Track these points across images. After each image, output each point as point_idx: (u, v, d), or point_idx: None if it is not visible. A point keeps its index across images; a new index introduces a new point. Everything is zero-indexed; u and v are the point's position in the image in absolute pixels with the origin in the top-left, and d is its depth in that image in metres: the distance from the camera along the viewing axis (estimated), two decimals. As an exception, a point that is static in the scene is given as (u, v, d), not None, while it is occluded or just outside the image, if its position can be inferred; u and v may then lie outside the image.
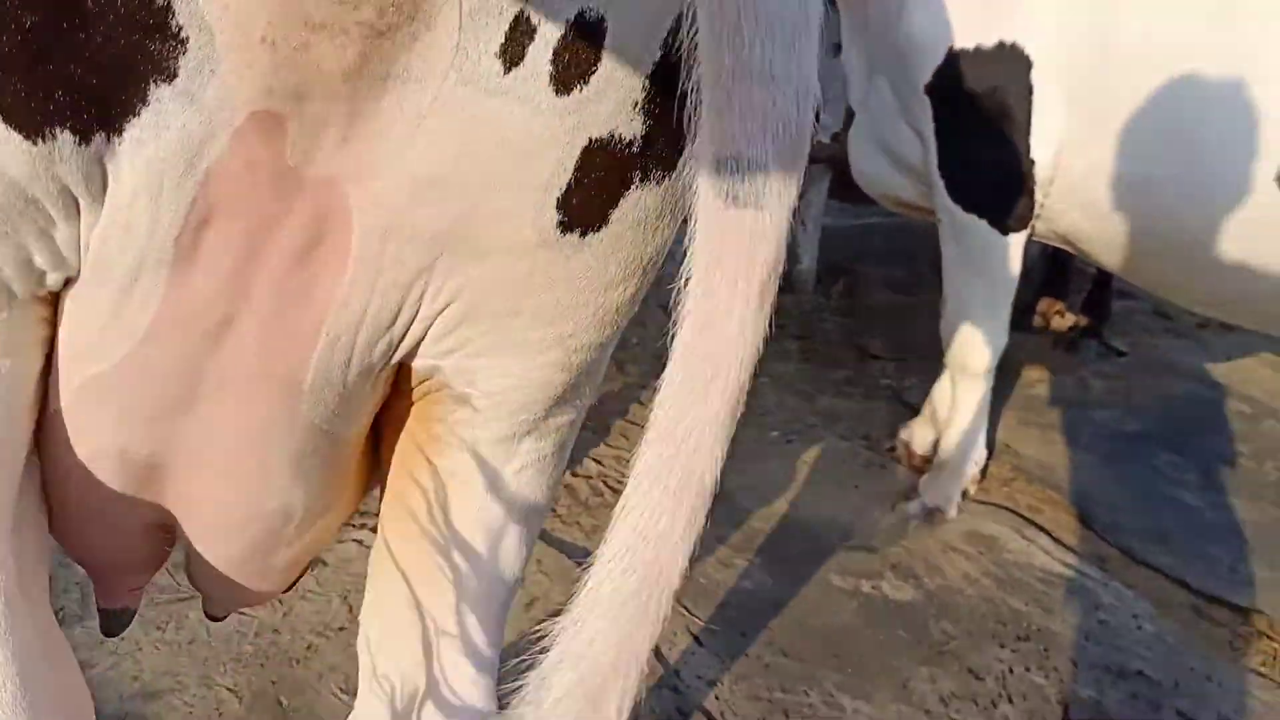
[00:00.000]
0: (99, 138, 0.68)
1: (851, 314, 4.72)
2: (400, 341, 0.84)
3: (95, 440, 0.88)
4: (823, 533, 2.97)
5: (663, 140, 0.78)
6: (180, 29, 0.64)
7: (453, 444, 0.95)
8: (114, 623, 1.34)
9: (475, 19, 0.66)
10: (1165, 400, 4.32)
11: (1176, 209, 2.41)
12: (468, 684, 1.03)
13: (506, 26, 0.67)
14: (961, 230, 2.83)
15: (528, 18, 0.67)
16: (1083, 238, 2.74)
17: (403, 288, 0.79)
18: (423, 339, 0.85)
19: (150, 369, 0.81)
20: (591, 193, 0.76)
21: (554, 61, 0.69)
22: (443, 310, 0.82)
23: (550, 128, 0.72)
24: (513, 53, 0.68)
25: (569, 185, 0.74)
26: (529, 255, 0.78)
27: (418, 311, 0.82)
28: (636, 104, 0.75)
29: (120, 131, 0.68)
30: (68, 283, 0.78)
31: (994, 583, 2.86)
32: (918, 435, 3.44)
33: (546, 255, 0.77)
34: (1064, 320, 4.73)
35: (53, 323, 0.81)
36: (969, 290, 2.94)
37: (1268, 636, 2.84)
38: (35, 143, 0.67)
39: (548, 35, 0.67)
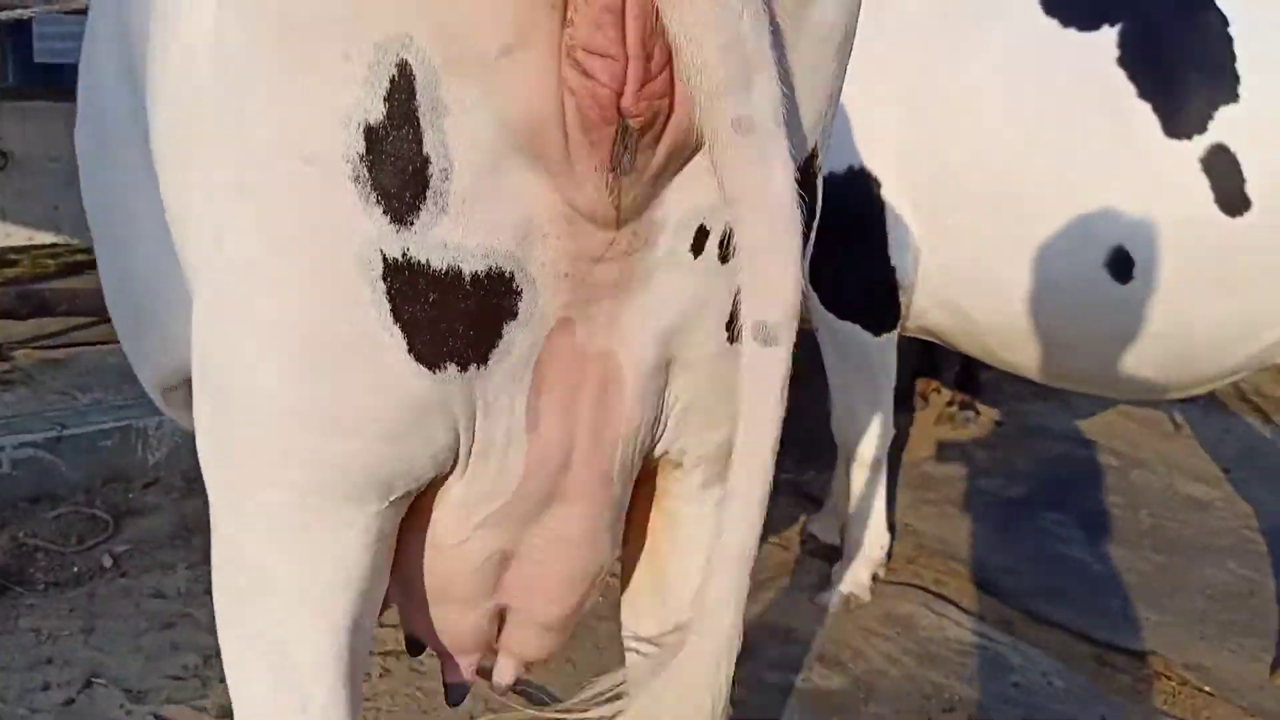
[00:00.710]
0: (472, 366, 1.02)
1: (744, 413, 4.93)
2: (657, 433, 1.22)
3: (484, 553, 1.22)
4: (749, 631, 3.11)
5: None
6: (520, 288, 1.00)
7: (670, 493, 1.35)
8: (455, 694, 1.64)
9: (678, 234, 1.04)
10: (1042, 462, 4.63)
11: (1019, 300, 2.69)
12: None
13: (693, 234, 1.05)
14: (839, 336, 3.07)
15: (703, 226, 1.05)
16: (944, 331, 3.01)
17: (657, 400, 1.17)
18: (666, 429, 1.23)
19: (527, 495, 1.16)
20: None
21: (720, 248, 1.06)
22: (674, 408, 1.20)
23: (720, 286, 1.09)
24: (697, 246, 1.06)
25: (730, 317, 1.12)
26: (718, 362, 1.15)
27: (664, 412, 1.19)
28: None
29: (485, 360, 1.02)
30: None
31: (914, 660, 3.03)
32: (824, 527, 3.64)
33: (726, 360, 1.14)
34: (941, 397, 5.04)
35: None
36: (852, 388, 3.18)
37: (1165, 676, 3.08)
38: (434, 371, 1.01)
39: (715, 234, 1.05)
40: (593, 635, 2.89)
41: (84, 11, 3.60)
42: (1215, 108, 2.47)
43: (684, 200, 1.02)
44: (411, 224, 0.93)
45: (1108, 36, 2.56)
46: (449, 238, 0.94)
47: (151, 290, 1.46)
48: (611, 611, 1.54)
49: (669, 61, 0.88)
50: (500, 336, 1.01)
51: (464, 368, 1.01)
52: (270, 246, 0.97)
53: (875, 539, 3.36)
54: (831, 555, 3.53)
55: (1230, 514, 4.27)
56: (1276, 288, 2.52)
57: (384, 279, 0.96)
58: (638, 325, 1.09)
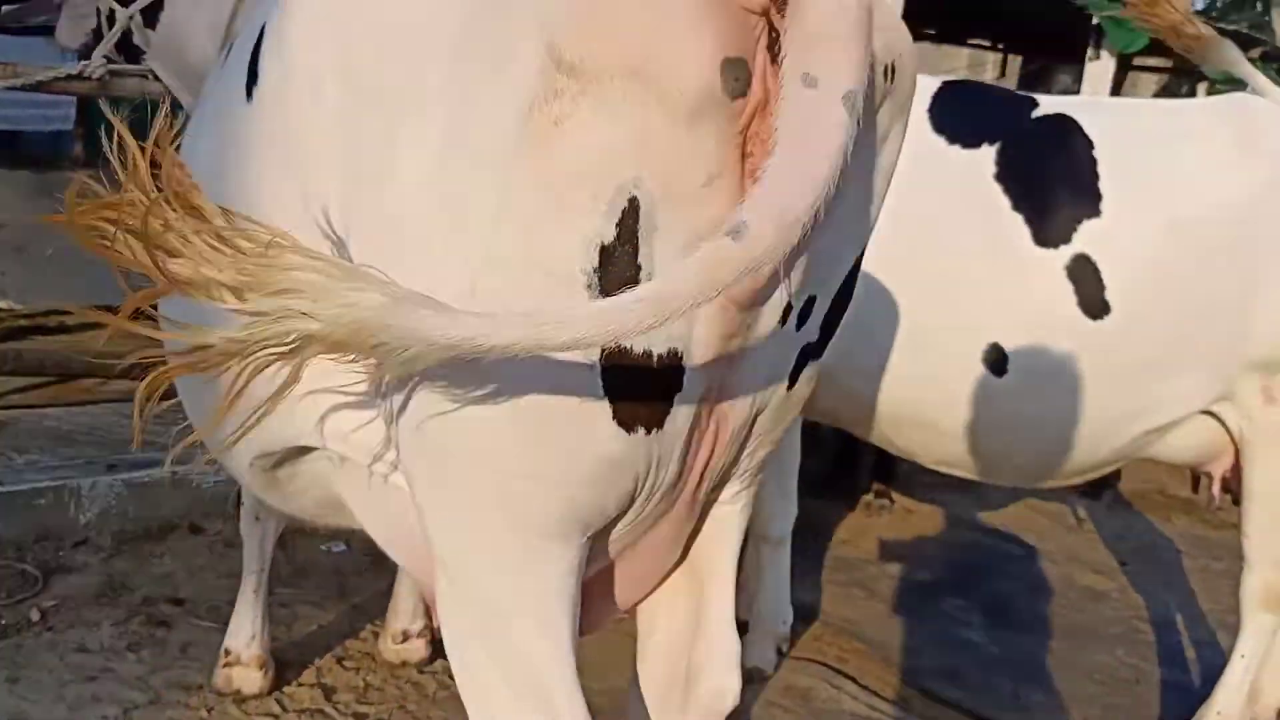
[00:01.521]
0: (655, 430, 1.30)
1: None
2: (732, 466, 1.54)
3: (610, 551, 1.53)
4: (656, 701, 3.24)
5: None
6: (685, 364, 1.27)
7: (718, 501, 1.66)
8: None
9: (773, 312, 1.32)
10: (950, 550, 4.84)
11: (907, 389, 2.92)
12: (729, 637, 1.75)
13: (784, 308, 1.34)
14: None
15: (790, 304, 1.35)
16: (842, 418, 3.23)
17: (742, 443, 1.50)
18: (739, 461, 1.54)
19: (653, 515, 1.48)
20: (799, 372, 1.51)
21: (798, 318, 1.39)
22: (749, 446, 1.53)
23: (791, 348, 1.45)
24: (783, 319, 1.35)
25: (793, 371, 1.47)
26: (784, 403, 1.50)
27: (740, 454, 1.54)
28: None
29: (661, 424, 1.31)
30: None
31: (810, 730, 3.18)
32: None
33: (784, 402, 1.49)
34: (858, 485, 5.25)
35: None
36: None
37: (1044, 751, 3.26)
38: (629, 434, 1.28)
39: (795, 308, 1.37)
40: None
41: (36, 87, 3.79)
42: (1079, 221, 2.75)
43: (782, 288, 1.32)
44: None
45: (987, 154, 2.85)
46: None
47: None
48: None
49: None
50: (671, 405, 1.31)
51: (648, 431, 1.30)
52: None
53: (779, 615, 3.52)
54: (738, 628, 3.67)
55: (1123, 605, 4.49)
56: (1137, 385, 2.78)
57: (601, 363, 1.23)
58: (743, 386, 1.40)
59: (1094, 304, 2.72)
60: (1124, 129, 2.87)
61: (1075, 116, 2.86)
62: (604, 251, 1.17)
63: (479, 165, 1.19)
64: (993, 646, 3.95)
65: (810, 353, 1.51)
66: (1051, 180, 2.77)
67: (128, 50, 3.03)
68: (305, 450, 1.73)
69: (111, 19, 3.00)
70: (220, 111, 1.75)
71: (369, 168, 1.33)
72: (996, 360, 2.78)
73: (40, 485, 3.63)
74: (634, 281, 1.17)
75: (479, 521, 1.36)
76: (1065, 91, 9.88)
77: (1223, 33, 9.23)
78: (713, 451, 1.46)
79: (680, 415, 1.32)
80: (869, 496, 5.18)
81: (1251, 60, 9.77)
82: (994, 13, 8.41)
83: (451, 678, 3.12)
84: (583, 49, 1.13)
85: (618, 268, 1.18)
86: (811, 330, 1.48)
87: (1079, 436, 2.86)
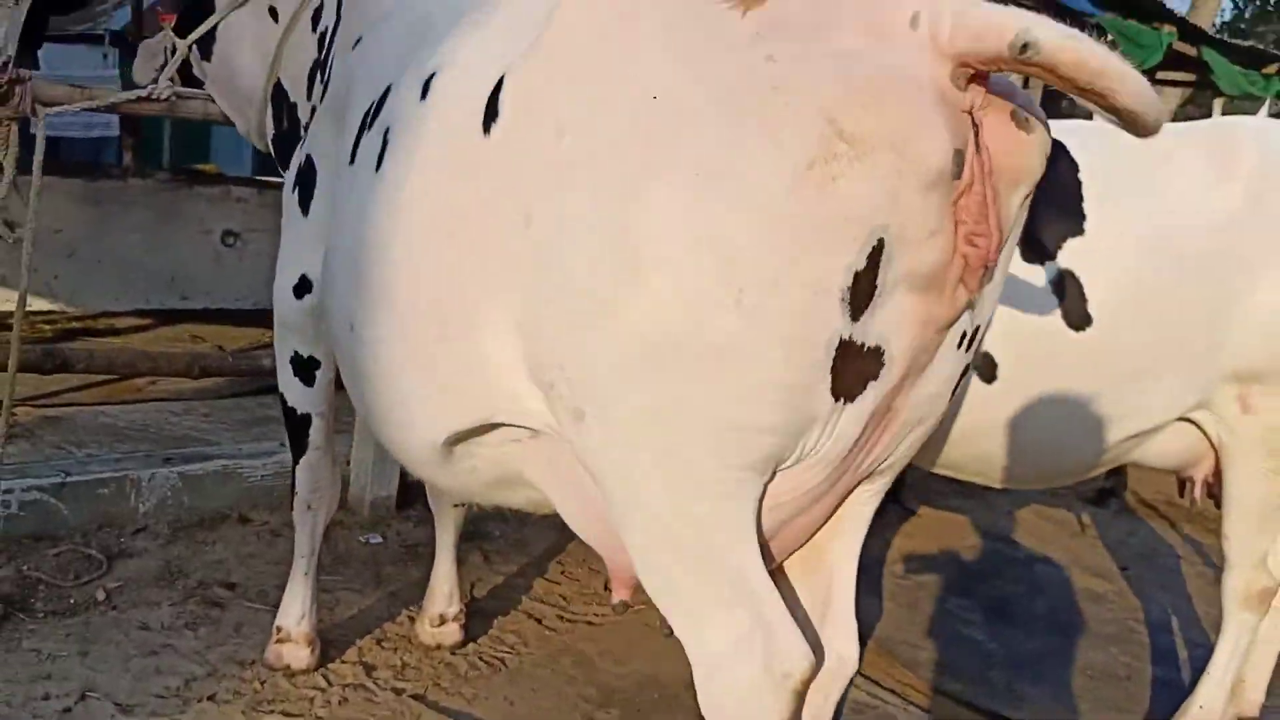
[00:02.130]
0: (848, 402, 1.67)
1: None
2: (879, 466, 1.89)
3: (780, 517, 1.82)
4: (674, 687, 3.48)
5: None
6: (884, 361, 1.65)
7: (856, 497, 1.99)
8: None
9: (955, 334, 1.71)
10: (956, 552, 5.05)
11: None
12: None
13: (959, 335, 1.72)
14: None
15: (965, 331, 1.75)
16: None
17: (899, 441, 1.83)
18: (886, 459, 1.89)
19: (818, 489, 1.81)
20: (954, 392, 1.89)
21: (968, 344, 1.78)
22: (900, 446, 1.86)
23: (959, 366, 1.80)
24: (961, 342, 1.74)
25: (954, 389, 1.86)
26: (937, 417, 1.89)
27: (897, 448, 1.86)
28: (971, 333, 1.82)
29: (853, 399, 1.67)
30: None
31: (814, 713, 3.40)
32: (746, 596, 4.02)
33: (939, 416, 1.89)
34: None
35: None
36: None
37: (1034, 739, 3.47)
38: (835, 401, 1.65)
39: (967, 336, 1.75)
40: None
41: (110, 108, 4.07)
42: (1064, 239, 2.97)
43: (966, 317, 1.72)
44: (857, 320, 1.58)
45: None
46: (868, 328, 1.60)
47: (473, 350, 1.90)
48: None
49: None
50: (864, 388, 1.66)
51: (842, 401, 1.66)
52: (761, 337, 1.57)
53: (789, 607, 3.74)
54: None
55: (1121, 606, 4.69)
56: (1118, 394, 2.99)
57: (835, 351, 1.60)
58: (918, 393, 1.76)
59: (1077, 317, 2.94)
60: (1107, 153, 3.08)
61: (1063, 140, 3.08)
62: (856, 276, 1.55)
63: (746, 205, 1.54)
64: (990, 642, 4.15)
65: (964, 376, 1.88)
66: (1038, 201, 2.97)
67: (189, 79, 3.35)
68: (490, 429, 2.02)
69: (173, 52, 3.33)
70: (437, 139, 2.00)
71: (606, 197, 1.64)
72: (987, 368, 3.00)
73: (104, 476, 3.91)
74: (870, 298, 1.57)
75: (704, 461, 1.68)
76: (1085, 108, 10.02)
77: (1237, 47, 9.33)
78: (878, 443, 1.81)
79: (869, 398, 1.68)
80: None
81: (1268, 76, 9.89)
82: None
83: (482, 659, 3.39)
84: (861, 126, 1.49)
85: (863, 288, 1.56)
86: (970, 357, 1.83)
87: (1064, 441, 3.07)
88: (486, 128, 1.85)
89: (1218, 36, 8.68)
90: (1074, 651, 4.16)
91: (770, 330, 1.58)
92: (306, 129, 2.95)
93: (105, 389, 5.47)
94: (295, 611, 3.21)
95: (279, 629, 3.21)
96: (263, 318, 7.44)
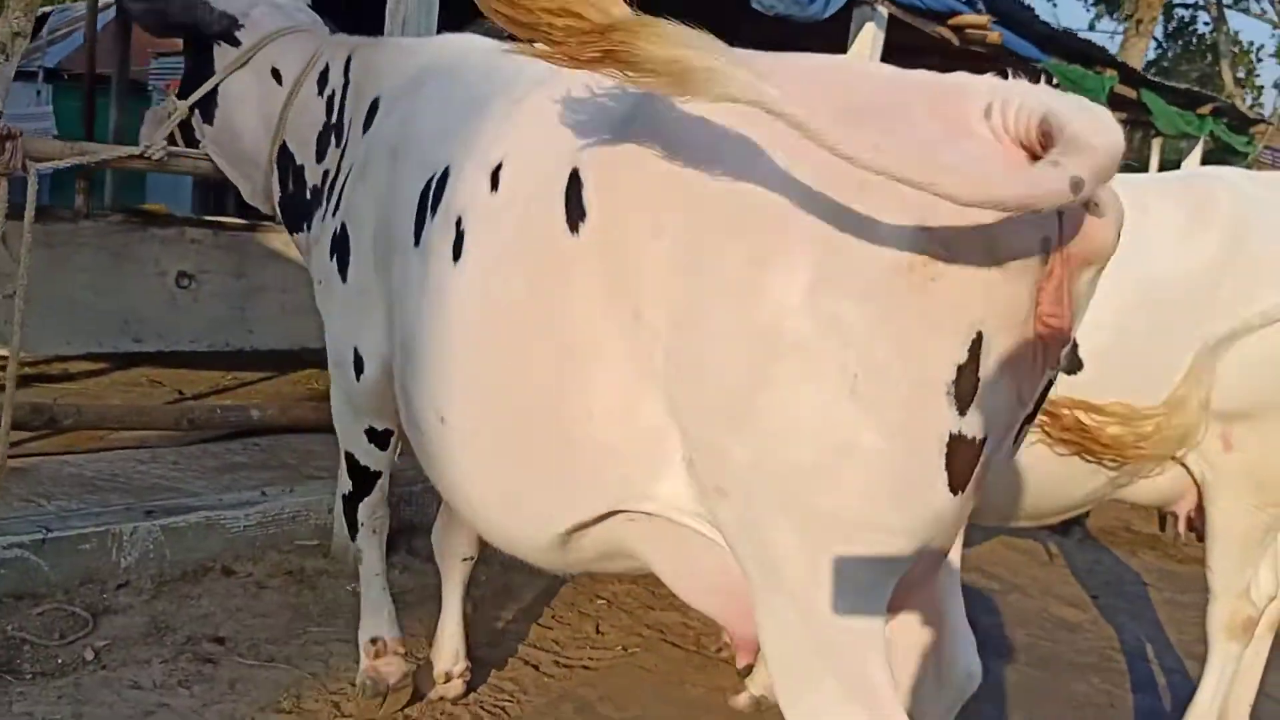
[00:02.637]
0: (963, 493, 1.68)
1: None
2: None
3: None
4: (671, 730, 3.50)
5: None
6: (988, 444, 1.70)
7: None
8: None
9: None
10: (932, 586, 5.11)
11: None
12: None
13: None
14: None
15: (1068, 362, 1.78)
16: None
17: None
18: None
19: None
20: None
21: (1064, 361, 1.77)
22: None
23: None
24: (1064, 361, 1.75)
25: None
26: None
27: None
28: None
29: (964, 488, 1.68)
30: None
31: (816, 753, 3.43)
32: (738, 637, 4.05)
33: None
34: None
35: None
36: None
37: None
38: (955, 496, 1.67)
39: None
40: None
41: (102, 165, 4.01)
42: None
43: None
44: (964, 414, 1.62)
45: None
46: (974, 420, 1.63)
47: (595, 444, 1.91)
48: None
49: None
50: (971, 475, 1.68)
51: (959, 494, 1.67)
52: (877, 428, 1.60)
53: (784, 647, 3.77)
54: (745, 663, 3.93)
55: (1096, 635, 4.79)
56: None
57: (947, 446, 1.63)
58: (1005, 442, 1.80)
59: (1071, 363, 3.02)
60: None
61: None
62: (959, 369, 1.60)
63: (859, 298, 1.60)
64: (977, 676, 4.21)
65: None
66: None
67: (187, 137, 3.34)
68: (609, 515, 2.02)
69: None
70: (520, 235, 2.01)
71: (721, 292, 1.67)
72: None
73: (85, 531, 3.82)
74: (974, 390, 1.62)
75: (837, 561, 1.70)
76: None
77: (1174, 89, 9.68)
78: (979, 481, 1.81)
79: (975, 483, 1.70)
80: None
81: (1202, 116, 10.24)
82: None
83: (483, 708, 3.37)
84: (953, 232, 1.55)
85: (966, 380, 1.61)
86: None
87: (1056, 479, 3.16)
88: (574, 226, 1.88)
89: (1155, 79, 9.00)
90: (1056, 682, 4.23)
91: (884, 424, 1.61)
92: (328, 193, 2.95)
93: (67, 437, 5.34)
94: (384, 620, 3.29)
95: (375, 640, 3.24)
96: (219, 360, 7.43)
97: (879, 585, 1.74)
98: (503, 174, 2.09)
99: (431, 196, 2.31)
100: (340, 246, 2.81)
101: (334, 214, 2.87)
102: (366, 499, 3.20)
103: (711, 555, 1.90)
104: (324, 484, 4.65)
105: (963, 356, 1.59)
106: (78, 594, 3.72)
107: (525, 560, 2.35)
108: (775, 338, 1.62)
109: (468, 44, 2.80)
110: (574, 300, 1.87)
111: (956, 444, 1.63)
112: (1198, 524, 3.38)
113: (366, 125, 2.84)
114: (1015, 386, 1.68)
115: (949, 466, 1.64)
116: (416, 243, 2.33)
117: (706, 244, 1.70)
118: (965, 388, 1.61)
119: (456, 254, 2.14)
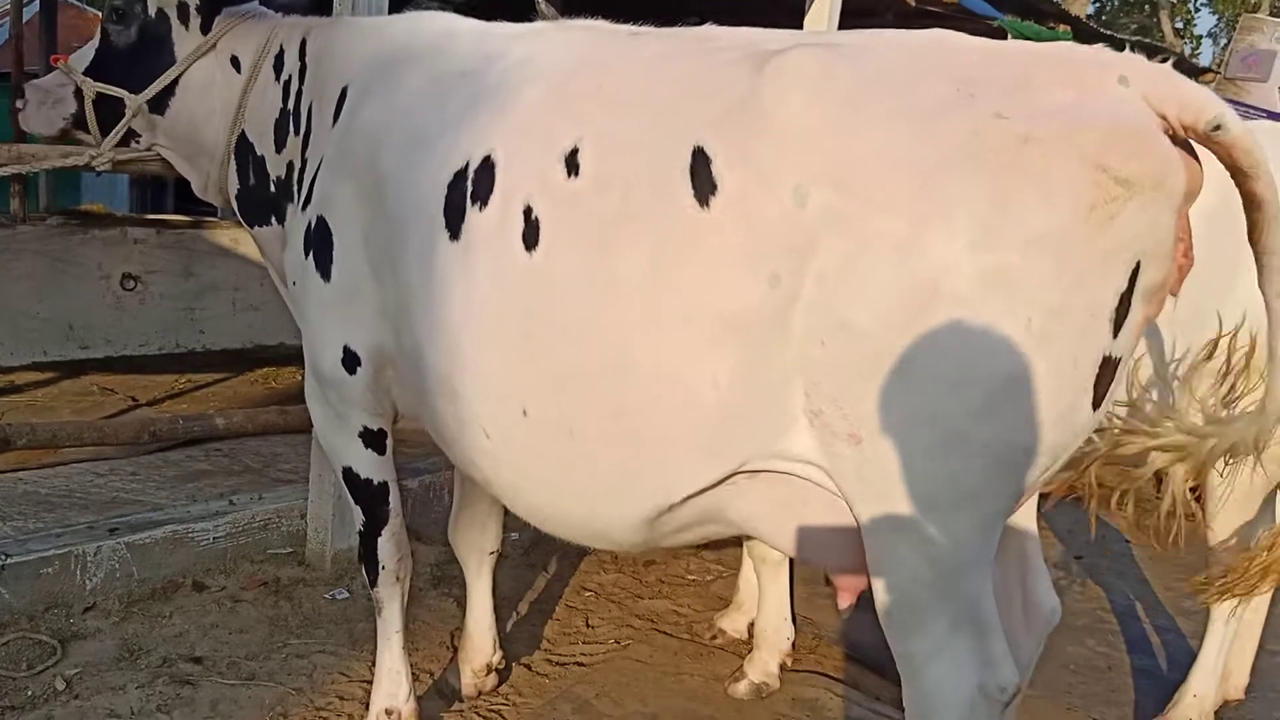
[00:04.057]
0: (1100, 409, 1.87)
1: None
2: None
3: None
4: (672, 723, 3.40)
5: None
6: (1119, 367, 1.89)
7: None
8: None
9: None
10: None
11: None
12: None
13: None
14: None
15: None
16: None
17: None
18: None
19: None
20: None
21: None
22: None
23: None
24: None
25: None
26: None
27: None
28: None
29: (1101, 404, 1.87)
30: None
31: (823, 738, 3.35)
32: (733, 622, 3.96)
33: None
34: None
35: None
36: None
37: (1039, 741, 3.47)
38: (1094, 411, 1.86)
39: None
40: None
41: (40, 174, 3.75)
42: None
43: None
44: (1115, 337, 1.80)
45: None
46: (1121, 341, 1.82)
47: (722, 408, 1.97)
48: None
49: None
50: (1105, 396, 1.85)
51: (1097, 409, 1.85)
52: (1047, 361, 1.75)
53: (782, 632, 3.69)
54: (739, 647, 3.85)
55: (1085, 596, 4.77)
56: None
57: (1099, 366, 1.80)
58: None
59: None
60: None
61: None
62: (1121, 297, 1.78)
63: (1029, 244, 1.73)
64: (974, 646, 4.16)
65: None
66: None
67: (107, 126, 3.06)
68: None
69: (99, 105, 3.02)
70: (627, 217, 2.03)
71: (878, 250, 1.78)
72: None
73: (46, 554, 3.62)
74: (1126, 315, 1.80)
75: (978, 492, 1.85)
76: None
77: (1127, 42, 9.75)
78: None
79: (1106, 405, 1.89)
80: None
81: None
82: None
83: (478, 713, 3.24)
84: (1129, 168, 1.72)
85: (1122, 305, 1.79)
86: None
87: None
88: (704, 201, 1.93)
89: (1108, 33, 9.00)
90: (1052, 646, 4.17)
91: (1054, 354, 1.76)
92: (295, 186, 2.78)
93: (18, 452, 5.12)
94: (403, 690, 3.06)
95: (390, 712, 3.03)
96: (171, 363, 7.20)
97: (1004, 517, 1.91)
98: (582, 159, 2.09)
99: (470, 187, 2.22)
100: (319, 243, 2.63)
101: (304, 209, 2.70)
102: (387, 530, 2.93)
103: (823, 504, 2.01)
104: (294, 488, 4.48)
105: (1124, 284, 1.78)
106: (43, 620, 3.53)
107: (595, 545, 2.42)
108: (936, 292, 1.74)
109: (442, 24, 2.67)
110: (703, 271, 1.94)
111: (1105, 365, 1.81)
112: (1198, 483, 3.34)
113: (336, 114, 2.67)
114: (1145, 313, 1.85)
115: (1096, 385, 1.81)
116: (454, 236, 2.24)
117: (857, 208, 1.80)
118: (1121, 312, 1.79)
119: (530, 243, 2.12)
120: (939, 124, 1.77)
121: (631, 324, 2.01)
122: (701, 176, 1.94)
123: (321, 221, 2.61)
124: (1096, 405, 1.84)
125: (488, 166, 2.20)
